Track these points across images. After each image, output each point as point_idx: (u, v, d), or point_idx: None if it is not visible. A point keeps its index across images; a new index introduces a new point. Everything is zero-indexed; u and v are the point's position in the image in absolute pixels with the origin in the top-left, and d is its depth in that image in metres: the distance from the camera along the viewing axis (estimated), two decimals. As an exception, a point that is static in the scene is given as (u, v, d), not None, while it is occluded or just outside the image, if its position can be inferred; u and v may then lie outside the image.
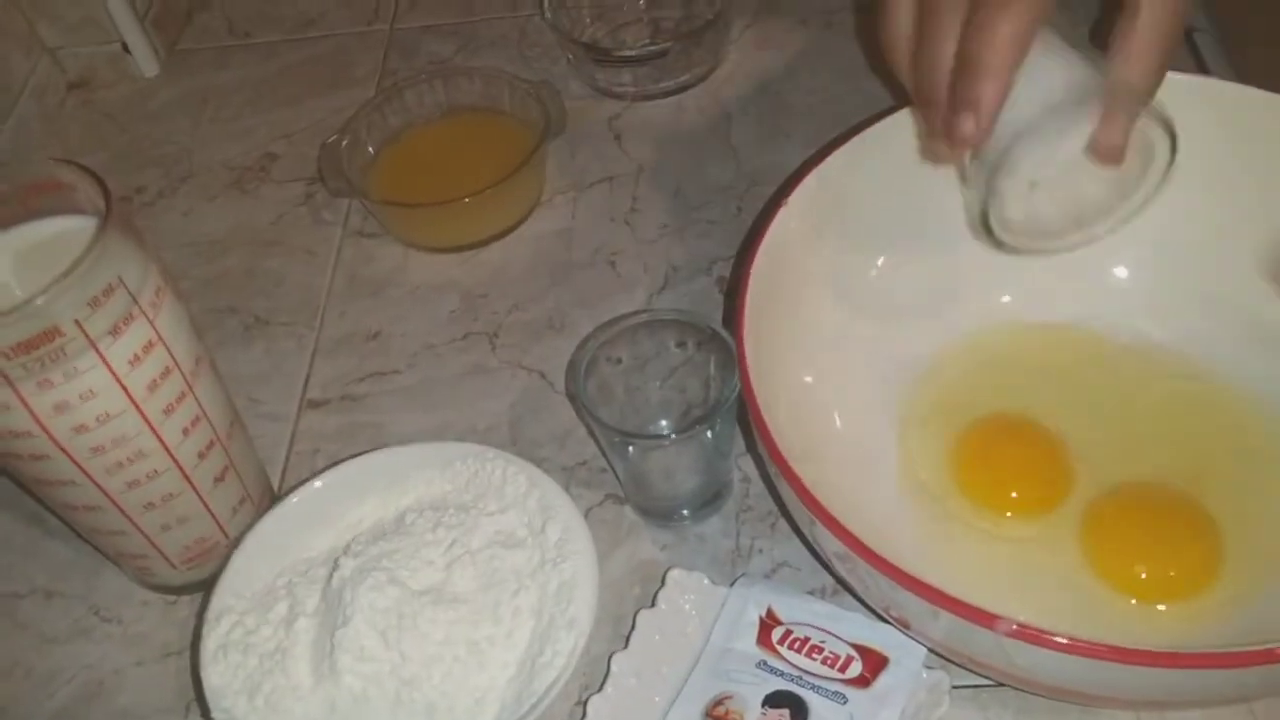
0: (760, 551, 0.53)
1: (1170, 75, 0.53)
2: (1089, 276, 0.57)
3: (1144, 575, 0.48)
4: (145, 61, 0.84)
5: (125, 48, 0.83)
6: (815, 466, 0.45)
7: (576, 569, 0.48)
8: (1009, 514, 0.51)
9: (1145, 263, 0.56)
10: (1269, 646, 0.36)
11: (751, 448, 0.56)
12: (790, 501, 0.45)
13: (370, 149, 0.72)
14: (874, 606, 0.46)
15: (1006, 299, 0.58)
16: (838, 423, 0.53)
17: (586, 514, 0.54)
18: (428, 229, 0.69)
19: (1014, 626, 0.38)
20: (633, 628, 0.49)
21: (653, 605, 0.50)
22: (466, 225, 0.69)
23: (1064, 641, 0.38)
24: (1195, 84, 0.54)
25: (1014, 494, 0.51)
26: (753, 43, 0.79)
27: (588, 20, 0.78)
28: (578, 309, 0.65)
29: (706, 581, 0.50)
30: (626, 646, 0.49)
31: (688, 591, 0.50)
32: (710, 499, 0.54)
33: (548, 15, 0.76)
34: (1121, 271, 0.57)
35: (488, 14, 0.85)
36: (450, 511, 0.51)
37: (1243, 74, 0.68)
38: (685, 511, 0.54)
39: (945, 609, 0.40)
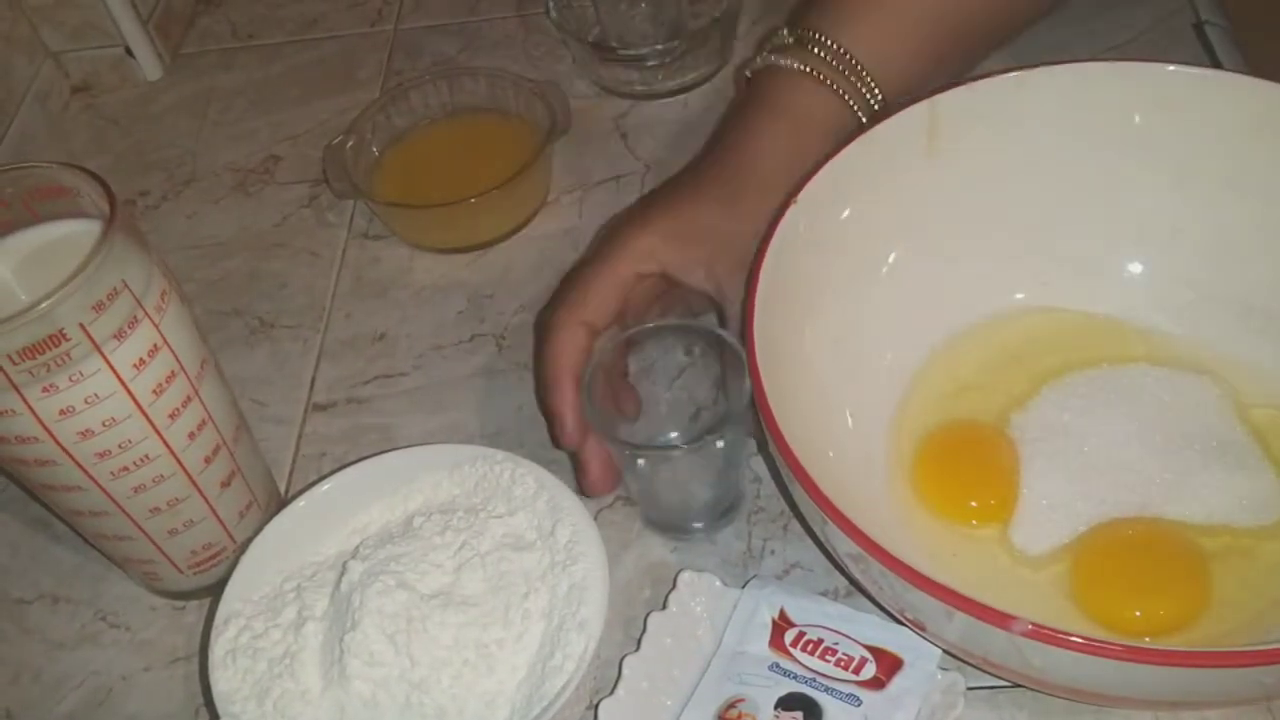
0: (772, 553, 0.53)
1: (1188, 70, 0.53)
2: (1104, 272, 0.57)
3: (1137, 614, 0.47)
4: (148, 65, 0.84)
5: (128, 51, 0.83)
6: (827, 466, 0.45)
7: (586, 571, 0.48)
8: (974, 522, 0.51)
9: (1159, 258, 0.56)
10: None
11: (763, 447, 0.56)
12: (802, 502, 0.45)
13: (375, 150, 0.72)
14: (888, 608, 0.46)
15: (1020, 296, 0.57)
16: (849, 422, 0.53)
17: (596, 516, 0.54)
18: (433, 230, 0.69)
19: (1029, 626, 0.38)
20: (644, 630, 0.49)
21: (664, 608, 0.49)
22: (472, 226, 0.69)
23: (1080, 641, 0.37)
24: (1211, 78, 0.53)
25: (972, 503, 0.51)
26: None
27: (593, 19, 0.78)
28: (585, 309, 0.64)
29: (718, 583, 0.50)
30: (638, 649, 0.48)
31: (699, 594, 0.50)
32: (724, 510, 0.54)
33: (553, 14, 0.76)
34: (1136, 267, 0.56)
35: (492, 14, 0.85)
36: (459, 514, 0.51)
37: (1255, 66, 0.68)
38: (699, 524, 0.54)
39: (960, 609, 0.39)
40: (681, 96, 0.76)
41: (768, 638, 0.47)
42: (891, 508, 0.51)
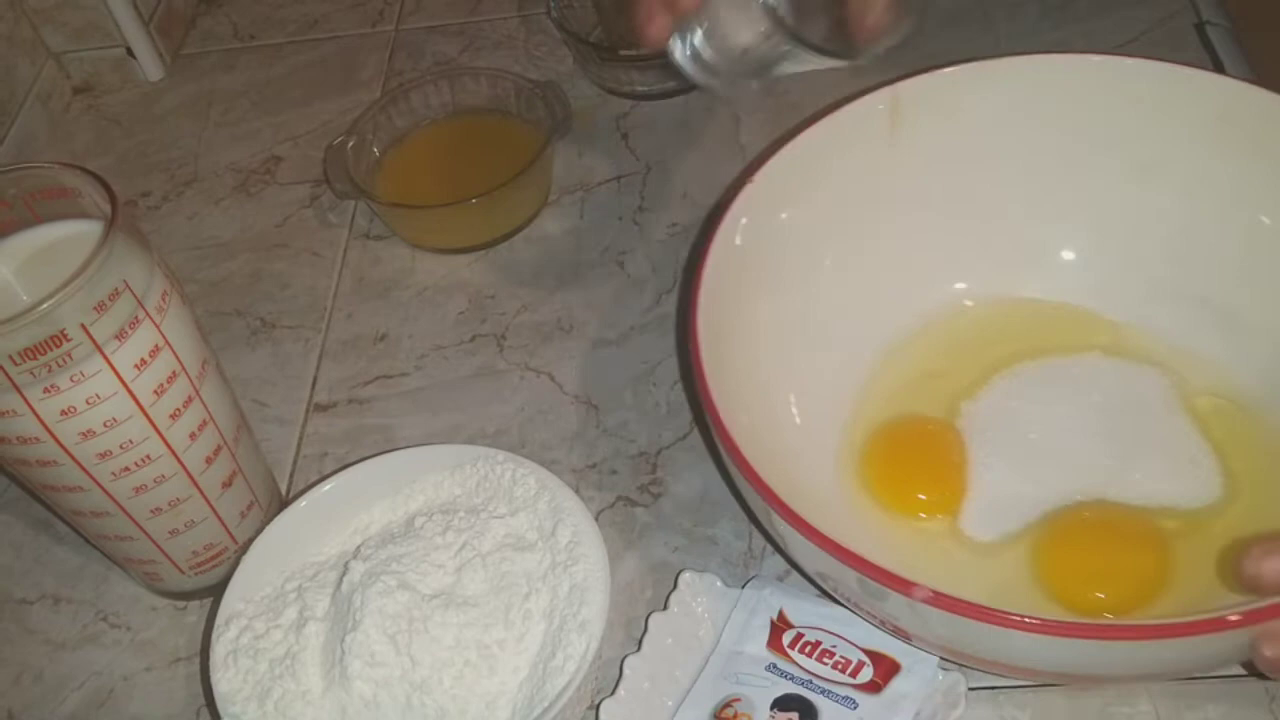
0: (773, 553, 0.53)
1: (1148, 64, 0.54)
2: (1061, 262, 0.57)
3: (1101, 596, 0.47)
4: (150, 66, 0.84)
5: (130, 52, 0.83)
6: (777, 465, 0.45)
7: (588, 572, 0.48)
8: (922, 515, 0.51)
9: (1116, 249, 0.57)
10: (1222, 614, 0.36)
11: (718, 459, 0.56)
12: (756, 505, 0.45)
13: (376, 151, 0.72)
14: (863, 615, 0.45)
15: (977, 285, 0.58)
16: (796, 419, 0.53)
17: (597, 516, 0.54)
18: (434, 230, 0.69)
19: (1023, 618, 0.38)
20: (645, 630, 0.49)
21: (665, 608, 0.49)
22: (474, 226, 0.69)
23: (1036, 622, 0.37)
24: (1172, 73, 0.54)
25: (921, 496, 0.52)
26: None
27: (594, 19, 0.78)
28: (586, 310, 0.65)
29: (719, 584, 0.50)
30: (639, 649, 0.48)
31: (700, 594, 0.50)
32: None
33: (554, 14, 0.76)
34: (1093, 257, 0.57)
35: (493, 14, 0.85)
36: (460, 515, 0.51)
37: (1255, 64, 0.68)
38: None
39: (923, 601, 0.39)
40: (683, 97, 0.76)
41: (766, 638, 0.47)
42: (849, 508, 0.51)
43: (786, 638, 0.47)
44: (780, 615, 0.48)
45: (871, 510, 0.52)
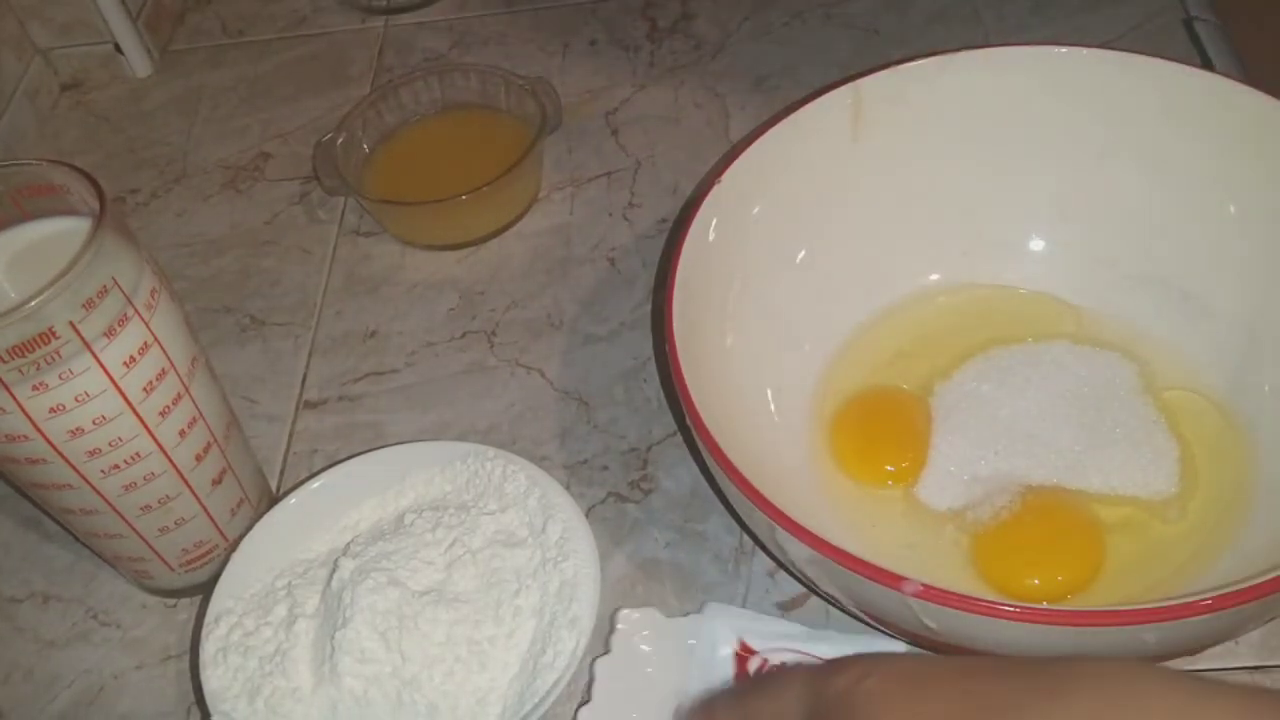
0: (763, 547, 0.53)
1: (1104, 54, 0.55)
2: (1032, 251, 0.58)
3: (1035, 582, 0.48)
4: (138, 62, 0.84)
5: (118, 48, 0.83)
6: (754, 458, 0.45)
7: (578, 568, 0.48)
8: (890, 483, 0.52)
9: (1061, 236, 0.58)
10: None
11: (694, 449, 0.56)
12: (736, 499, 0.45)
13: (366, 147, 0.72)
14: (842, 605, 0.45)
15: (948, 274, 0.58)
16: (772, 408, 0.54)
17: (587, 512, 0.54)
18: (424, 227, 0.69)
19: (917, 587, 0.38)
20: (592, 679, 0.47)
21: (607, 652, 0.47)
22: (463, 222, 0.68)
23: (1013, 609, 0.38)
24: (1125, 62, 0.54)
25: (888, 466, 0.52)
26: (750, 36, 0.79)
27: None
28: (576, 306, 0.65)
29: (659, 615, 0.48)
30: (590, 700, 0.46)
31: (642, 629, 0.48)
32: None
33: None
34: (1064, 246, 0.58)
35: (482, 10, 0.85)
36: (450, 511, 0.51)
37: (1245, 62, 0.68)
38: None
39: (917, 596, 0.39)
40: (673, 92, 0.76)
41: (731, 671, 0.46)
42: (817, 482, 0.52)
43: (752, 665, 0.46)
44: (741, 645, 0.47)
45: (836, 478, 0.52)
